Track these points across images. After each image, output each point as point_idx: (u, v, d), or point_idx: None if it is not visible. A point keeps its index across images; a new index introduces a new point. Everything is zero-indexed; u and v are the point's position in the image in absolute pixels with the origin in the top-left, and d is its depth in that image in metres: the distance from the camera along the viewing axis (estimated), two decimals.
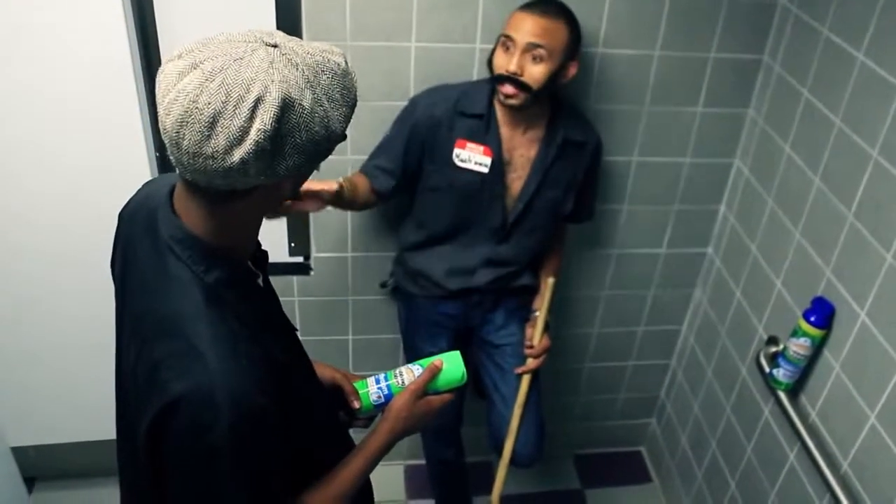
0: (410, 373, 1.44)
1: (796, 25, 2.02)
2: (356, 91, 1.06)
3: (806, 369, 1.95)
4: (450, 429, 2.45)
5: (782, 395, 2.00)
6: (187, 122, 0.92)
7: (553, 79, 1.85)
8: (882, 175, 1.69)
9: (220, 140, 0.92)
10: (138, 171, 2.02)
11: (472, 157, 1.96)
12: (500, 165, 1.97)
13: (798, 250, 2.03)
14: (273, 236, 2.27)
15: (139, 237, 1.14)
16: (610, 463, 3.07)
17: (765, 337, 2.17)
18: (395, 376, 1.44)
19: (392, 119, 2.04)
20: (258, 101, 0.92)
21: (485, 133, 1.95)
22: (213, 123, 0.92)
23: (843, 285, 1.84)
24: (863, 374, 1.77)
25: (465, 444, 2.53)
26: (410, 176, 2.04)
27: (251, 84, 0.92)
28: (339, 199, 1.86)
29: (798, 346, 1.90)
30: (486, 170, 1.96)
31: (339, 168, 2.17)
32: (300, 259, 2.36)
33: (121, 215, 1.24)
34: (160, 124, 0.97)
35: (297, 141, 0.96)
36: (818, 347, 1.90)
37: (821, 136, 1.92)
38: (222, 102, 0.91)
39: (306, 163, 1.00)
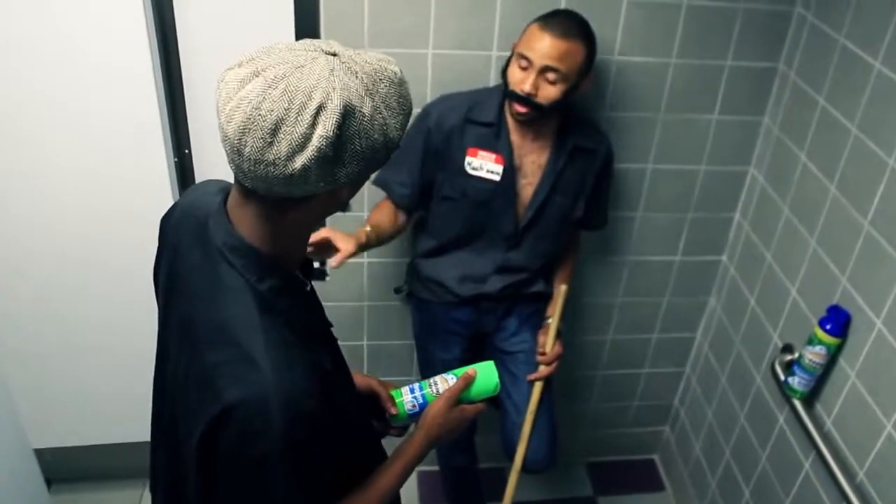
0: (445, 382, 1.46)
1: (812, 33, 2.02)
2: (411, 100, 1.07)
3: (821, 377, 1.95)
4: (464, 436, 2.45)
5: (797, 404, 2.00)
6: (249, 129, 0.93)
7: (566, 97, 1.85)
8: None
9: (282, 147, 0.93)
10: (159, 177, 2.04)
11: (483, 164, 1.97)
12: (511, 173, 1.97)
13: (813, 258, 2.03)
14: None
15: (188, 245, 1.15)
16: (623, 470, 3.06)
17: (780, 345, 2.17)
18: (430, 385, 1.46)
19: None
20: (320, 108, 0.93)
21: (496, 141, 1.96)
22: (275, 130, 0.92)
23: (858, 293, 1.83)
24: (879, 382, 1.76)
25: (477, 450, 2.53)
26: (428, 185, 2.05)
27: (313, 91, 0.93)
28: (366, 247, 1.94)
29: (813, 355, 1.90)
30: (497, 177, 1.97)
31: None
32: (316, 264, 2.38)
33: (165, 222, 1.24)
34: (221, 131, 0.97)
35: (356, 148, 0.97)
36: (834, 356, 1.89)
37: (837, 143, 1.91)
38: (285, 109, 0.92)
39: (365, 170, 1.01)
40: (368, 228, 1.96)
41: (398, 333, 2.54)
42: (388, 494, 1.31)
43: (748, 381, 2.38)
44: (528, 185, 2.01)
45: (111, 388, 2.32)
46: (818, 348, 1.88)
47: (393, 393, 1.48)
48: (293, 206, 1.03)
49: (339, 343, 1.30)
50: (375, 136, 0.98)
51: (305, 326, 1.13)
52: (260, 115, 0.92)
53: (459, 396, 1.42)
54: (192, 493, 1.13)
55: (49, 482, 2.67)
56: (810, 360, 1.91)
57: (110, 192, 2.06)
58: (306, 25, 1.96)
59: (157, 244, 1.26)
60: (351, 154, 0.97)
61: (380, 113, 0.99)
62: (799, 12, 2.07)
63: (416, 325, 2.35)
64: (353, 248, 1.86)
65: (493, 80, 2.08)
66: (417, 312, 2.32)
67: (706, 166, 2.34)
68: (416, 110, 2.04)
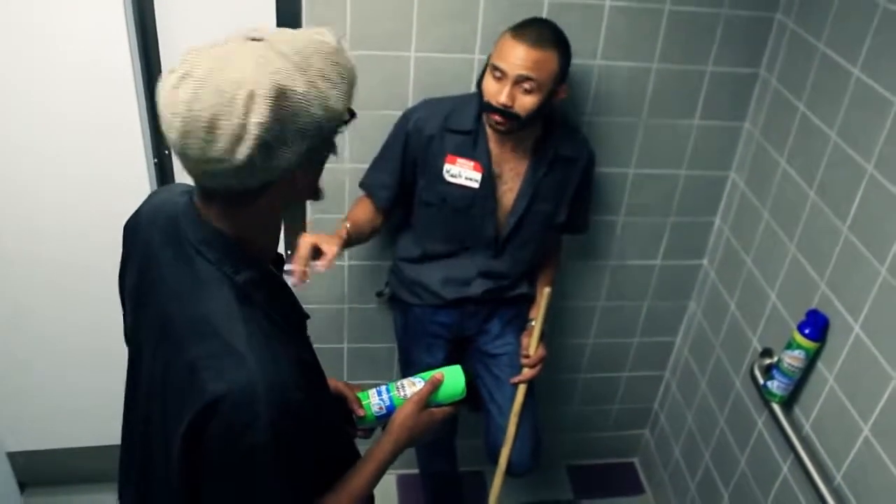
0: (412, 385, 1.45)
1: (792, 40, 2.03)
2: (353, 66, 1.06)
3: (800, 381, 1.96)
4: (443, 440, 2.44)
5: (776, 407, 2.01)
6: (189, 132, 0.94)
7: (543, 106, 1.84)
8: (877, 189, 1.71)
9: (222, 142, 0.94)
10: (138, 179, 2.03)
11: (462, 172, 1.96)
12: (490, 180, 1.97)
13: (793, 263, 2.04)
14: None
15: (159, 245, 1.14)
16: (603, 474, 3.07)
17: (759, 349, 2.18)
18: (397, 388, 1.45)
19: (391, 127, 2.04)
20: (251, 96, 0.93)
21: (473, 148, 1.95)
22: (211, 127, 0.93)
23: (837, 298, 1.85)
24: (857, 386, 1.77)
25: (458, 454, 2.52)
26: (407, 189, 2.05)
27: (241, 81, 0.94)
28: (347, 244, 1.93)
29: (792, 359, 1.91)
30: (476, 185, 1.96)
31: (338, 177, 2.17)
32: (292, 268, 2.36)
33: (130, 227, 1.23)
34: (167, 140, 0.98)
35: (297, 127, 0.97)
36: (812, 360, 1.91)
37: (816, 149, 1.93)
38: (216, 104, 0.93)
39: (313, 147, 1.01)
40: (349, 225, 1.96)
41: (379, 336, 2.53)
42: (361, 497, 1.30)
43: (727, 385, 2.39)
44: (508, 192, 2.01)
45: (85, 391, 2.29)
46: (797, 352, 1.89)
47: (360, 395, 1.47)
48: (253, 198, 1.03)
49: (320, 346, 1.30)
50: (314, 110, 0.98)
51: (284, 318, 1.13)
52: (193, 115, 0.93)
53: (427, 400, 1.42)
54: (174, 488, 1.12)
55: (22, 486, 2.64)
56: (789, 364, 1.92)
57: (89, 193, 2.04)
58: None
59: (122, 251, 1.25)
60: (294, 134, 0.97)
61: (315, 87, 0.99)
62: (779, 19, 2.09)
63: (398, 329, 2.34)
64: (338, 248, 1.85)
65: (475, 83, 2.08)
66: (400, 316, 2.31)
67: (687, 171, 2.35)
68: (401, 112, 2.03)
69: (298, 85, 0.97)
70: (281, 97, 0.95)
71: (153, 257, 1.15)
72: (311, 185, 1.12)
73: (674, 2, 2.03)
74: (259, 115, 0.93)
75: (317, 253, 1.82)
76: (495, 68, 1.80)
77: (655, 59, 2.12)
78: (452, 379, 1.46)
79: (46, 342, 2.26)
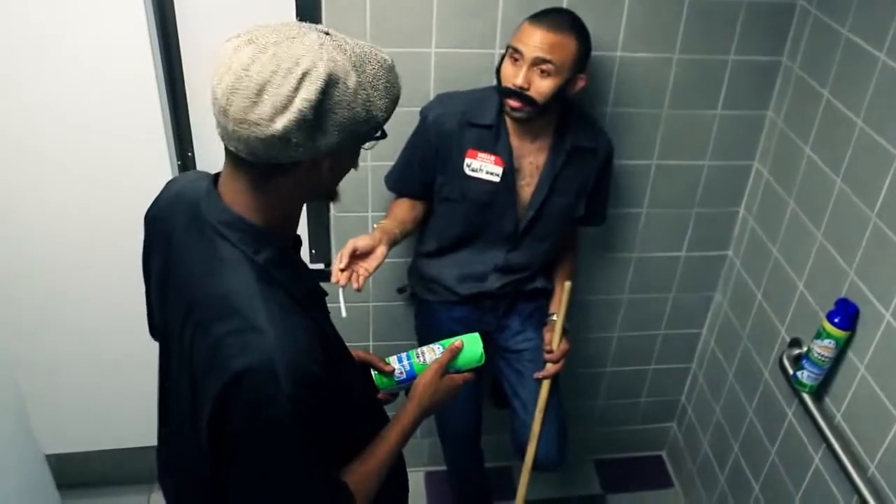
0: (432, 352, 1.53)
1: (815, 26, 2.01)
2: (400, 88, 1.12)
3: (830, 371, 1.94)
4: (469, 439, 2.43)
5: (806, 397, 2.00)
6: (237, 90, 0.98)
7: (560, 92, 1.85)
8: None
9: (265, 107, 0.97)
10: (162, 180, 2.02)
11: (483, 166, 1.97)
12: (511, 174, 1.97)
13: (820, 251, 2.02)
14: None
15: (183, 230, 1.18)
16: (631, 468, 3.06)
17: (787, 339, 2.16)
18: (417, 355, 1.53)
19: (411, 124, 2.04)
20: (305, 74, 0.98)
21: (494, 143, 1.95)
22: (260, 91, 0.98)
23: (866, 286, 1.83)
24: (889, 374, 1.76)
25: (485, 449, 2.52)
26: (430, 184, 2.06)
27: (301, 58, 0.98)
28: (396, 243, 1.95)
29: (822, 348, 1.89)
30: (497, 178, 1.97)
31: (360, 174, 2.17)
32: (321, 266, 2.37)
33: (151, 215, 1.28)
34: (212, 96, 1.02)
35: (338, 118, 1.02)
36: (842, 349, 1.89)
37: (842, 136, 1.91)
38: (271, 72, 0.98)
39: (346, 142, 1.05)
40: (395, 229, 1.96)
41: (404, 333, 2.53)
42: (386, 463, 1.35)
43: (756, 376, 2.38)
44: (526, 187, 2.01)
45: (119, 394, 2.31)
46: (826, 342, 1.88)
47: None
48: (278, 175, 1.07)
49: (346, 344, 1.33)
50: (358, 109, 1.03)
51: (304, 295, 1.17)
52: (248, 75, 0.98)
53: (447, 366, 1.49)
54: (206, 475, 1.15)
55: (57, 488, 2.67)
56: (819, 354, 1.90)
57: (114, 197, 2.05)
58: None
59: (144, 239, 1.30)
60: (332, 123, 1.01)
61: (364, 89, 1.04)
62: (802, 5, 2.07)
63: (418, 327, 2.35)
64: (386, 247, 1.86)
65: (495, 71, 2.07)
66: (420, 313, 2.32)
67: (710, 161, 2.33)
68: (414, 108, 2.03)
69: (350, 80, 1.02)
70: (332, 85, 1.00)
71: (176, 241, 1.20)
72: (332, 181, 1.16)
73: None
74: (308, 92, 0.98)
75: (362, 257, 1.83)
76: (514, 51, 1.82)
77: (676, 49, 2.11)
78: (471, 346, 1.54)
79: (81, 346, 2.28)
